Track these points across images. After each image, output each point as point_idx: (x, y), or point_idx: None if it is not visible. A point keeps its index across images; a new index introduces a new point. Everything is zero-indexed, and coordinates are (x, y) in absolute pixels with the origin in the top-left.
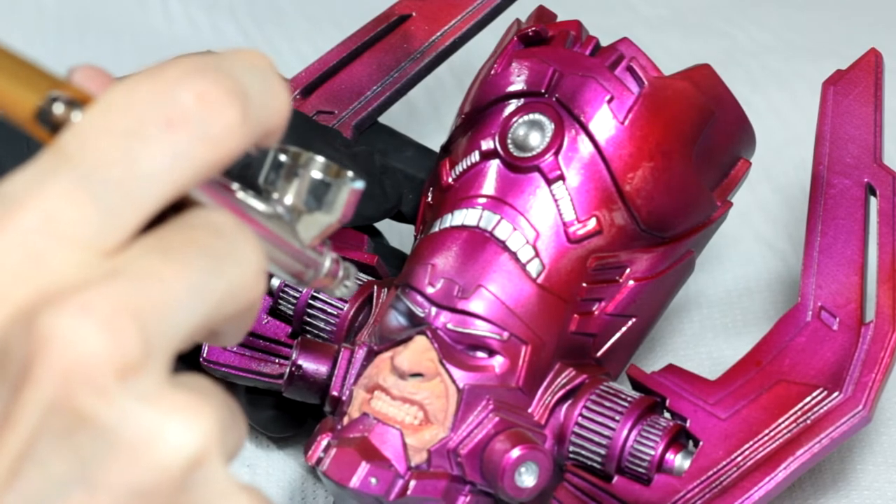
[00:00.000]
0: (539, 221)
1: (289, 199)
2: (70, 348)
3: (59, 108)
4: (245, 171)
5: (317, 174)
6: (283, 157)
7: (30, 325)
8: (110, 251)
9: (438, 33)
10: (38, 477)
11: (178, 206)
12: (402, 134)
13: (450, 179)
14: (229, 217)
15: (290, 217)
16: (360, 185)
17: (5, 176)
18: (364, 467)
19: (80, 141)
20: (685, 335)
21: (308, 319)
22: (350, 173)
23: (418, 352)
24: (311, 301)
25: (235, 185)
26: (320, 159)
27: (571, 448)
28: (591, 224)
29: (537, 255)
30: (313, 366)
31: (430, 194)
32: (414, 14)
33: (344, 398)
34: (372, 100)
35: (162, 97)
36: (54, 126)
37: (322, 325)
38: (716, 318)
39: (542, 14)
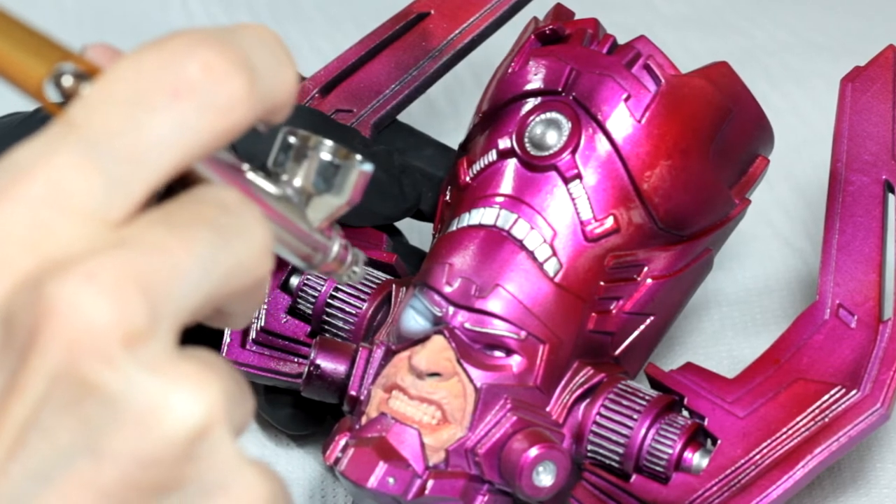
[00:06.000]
0: (556, 220)
1: (298, 181)
2: (75, 316)
3: (68, 81)
4: (257, 161)
5: (326, 156)
6: (292, 140)
7: (35, 293)
8: (117, 222)
9: (457, 31)
10: (44, 445)
11: (187, 185)
12: (422, 132)
13: (467, 178)
14: (237, 194)
15: (299, 199)
16: (368, 167)
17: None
18: (382, 467)
19: (86, 112)
20: (704, 333)
21: (327, 318)
22: (359, 156)
23: (436, 351)
24: (329, 300)
25: (245, 166)
26: (329, 142)
27: (589, 447)
28: (609, 223)
29: (555, 253)
30: (331, 365)
31: (447, 193)
32: (432, 12)
33: (362, 398)
34: (390, 98)
35: (168, 67)
36: (64, 98)
37: (340, 324)
38: (735, 316)
39: (560, 12)
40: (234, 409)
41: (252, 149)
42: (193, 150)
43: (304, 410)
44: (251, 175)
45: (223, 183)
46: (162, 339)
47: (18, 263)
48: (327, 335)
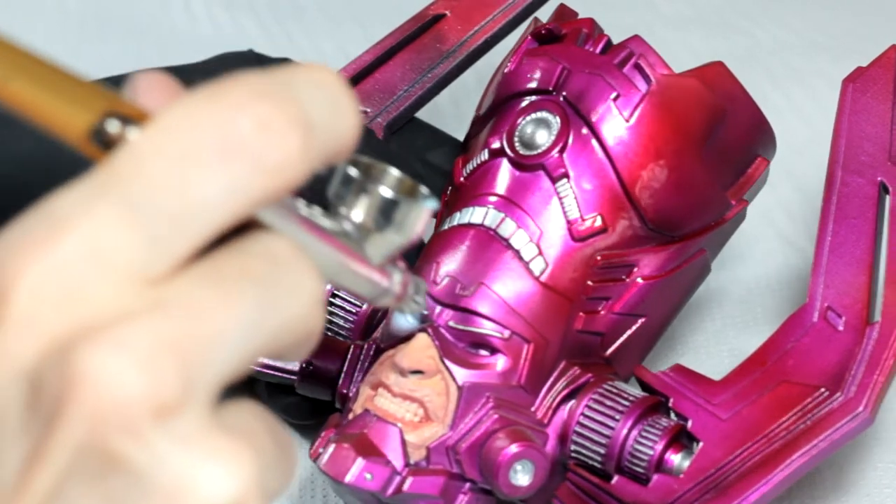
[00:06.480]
0: (543, 219)
1: (357, 216)
2: (104, 387)
3: (113, 126)
4: (315, 186)
5: (387, 192)
6: (353, 172)
7: (65, 359)
8: (156, 280)
9: (470, 33)
10: None
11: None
12: (441, 130)
13: (461, 178)
14: (288, 244)
15: (359, 235)
16: (432, 203)
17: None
18: (359, 463)
19: (133, 163)
20: (706, 332)
21: (328, 317)
22: (424, 190)
23: (419, 349)
24: (331, 299)
25: (301, 202)
26: (394, 173)
27: (573, 447)
28: (597, 222)
29: (541, 253)
30: (324, 363)
31: (447, 193)
32: (447, 14)
33: (351, 395)
34: (404, 99)
35: (222, 122)
36: (107, 144)
37: (341, 322)
38: (736, 315)
39: (563, 12)
40: (269, 479)
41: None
42: (242, 210)
43: (307, 399)
44: (306, 212)
45: (276, 223)
46: (195, 409)
47: (50, 324)
48: (329, 333)
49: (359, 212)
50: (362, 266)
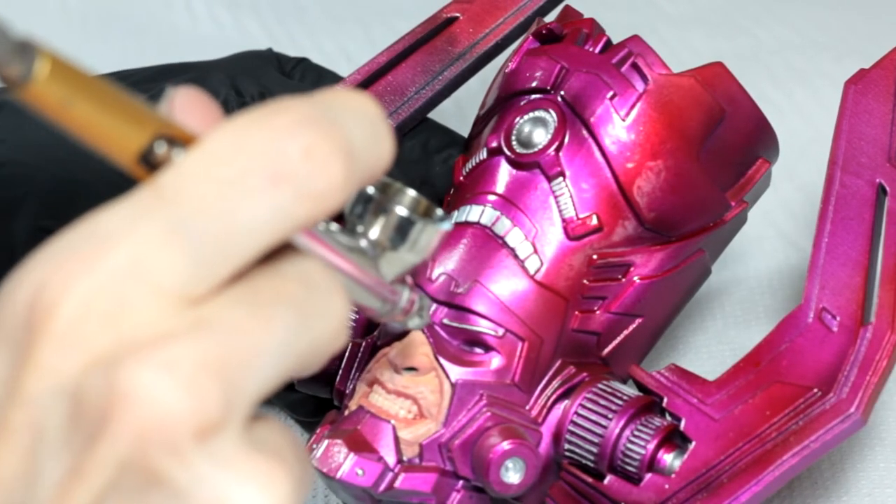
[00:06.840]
0: (539, 218)
1: (373, 234)
2: (149, 406)
3: (160, 147)
4: None
5: (403, 211)
6: (370, 190)
7: (109, 375)
8: (197, 300)
9: (481, 36)
10: None
11: None
12: (454, 131)
13: (461, 177)
14: (320, 267)
15: (374, 252)
16: (447, 225)
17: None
18: (351, 459)
19: (180, 184)
20: (708, 332)
21: None
22: (439, 212)
23: (413, 346)
24: None
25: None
26: (410, 193)
27: (567, 446)
28: (592, 221)
29: (536, 251)
30: None
31: (449, 193)
32: (460, 17)
33: (347, 392)
34: (414, 101)
35: (269, 149)
36: (153, 165)
37: None
38: (738, 315)
39: (568, 13)
40: (299, 495)
41: None
42: (284, 234)
43: (312, 396)
44: (323, 226)
45: (303, 239)
46: (234, 429)
47: (94, 341)
48: None
49: (375, 230)
50: (376, 283)
